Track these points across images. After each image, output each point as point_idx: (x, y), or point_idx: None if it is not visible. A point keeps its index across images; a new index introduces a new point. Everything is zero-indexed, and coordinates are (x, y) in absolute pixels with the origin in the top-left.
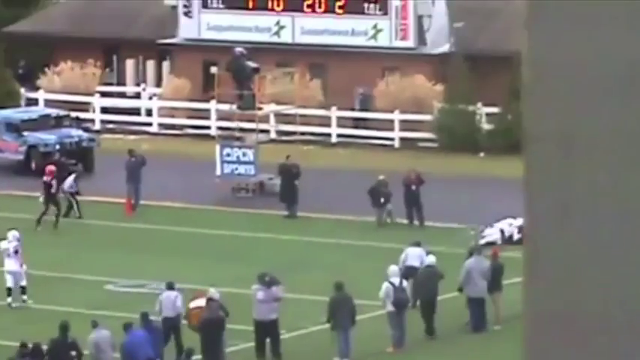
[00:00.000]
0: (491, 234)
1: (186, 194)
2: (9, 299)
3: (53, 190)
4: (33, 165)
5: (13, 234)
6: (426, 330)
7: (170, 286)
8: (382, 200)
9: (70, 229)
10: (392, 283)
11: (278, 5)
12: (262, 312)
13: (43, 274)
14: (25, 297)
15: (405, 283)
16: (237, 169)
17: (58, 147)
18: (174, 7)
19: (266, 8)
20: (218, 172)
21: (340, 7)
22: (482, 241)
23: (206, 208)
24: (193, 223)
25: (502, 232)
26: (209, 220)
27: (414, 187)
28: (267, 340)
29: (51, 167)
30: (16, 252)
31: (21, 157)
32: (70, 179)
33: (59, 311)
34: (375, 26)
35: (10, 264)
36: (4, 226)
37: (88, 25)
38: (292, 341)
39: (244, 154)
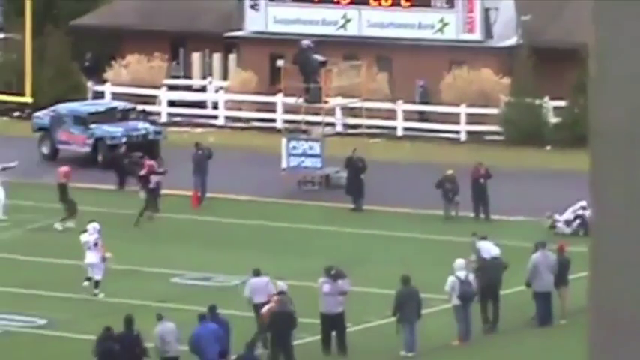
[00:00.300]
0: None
1: (252, 187)
2: (96, 290)
3: (152, 186)
4: (100, 158)
5: (93, 226)
6: (484, 319)
7: (257, 273)
8: (450, 195)
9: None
10: (458, 277)
11: None
12: (329, 305)
13: (111, 266)
14: (96, 291)
15: (471, 276)
16: (303, 162)
17: (124, 140)
18: (241, 1)
19: (332, 1)
20: (284, 165)
21: (407, 0)
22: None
23: (272, 201)
24: (259, 216)
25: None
26: (275, 213)
27: (481, 181)
28: (334, 333)
29: (150, 162)
30: (95, 244)
31: (88, 149)
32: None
33: (126, 304)
34: (441, 19)
35: (91, 256)
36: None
37: (155, 18)
38: (358, 334)
39: (310, 147)
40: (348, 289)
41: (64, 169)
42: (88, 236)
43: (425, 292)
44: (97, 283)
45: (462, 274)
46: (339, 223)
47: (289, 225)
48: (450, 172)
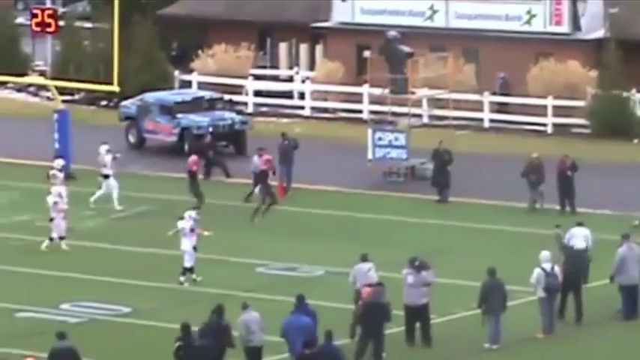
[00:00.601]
0: None
1: (337, 178)
2: (193, 276)
3: (270, 181)
4: (186, 147)
5: (189, 213)
6: (560, 313)
7: (364, 258)
8: (535, 185)
9: (224, 212)
10: (543, 269)
11: None
12: (413, 296)
13: (197, 256)
14: (182, 278)
15: (557, 268)
16: (389, 153)
17: (210, 129)
18: None
19: None
20: (370, 156)
21: None
22: None
23: (357, 192)
24: (344, 207)
25: None
26: (360, 203)
27: (568, 173)
28: (417, 324)
29: (268, 157)
30: (191, 230)
31: (174, 139)
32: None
33: (211, 293)
34: (529, 11)
35: (185, 243)
36: (161, 207)
37: (242, 8)
38: (442, 326)
39: (396, 139)
40: (432, 280)
41: (194, 157)
42: (184, 223)
43: (510, 284)
44: (184, 270)
45: (547, 266)
46: (423, 214)
47: (374, 216)
48: (534, 155)
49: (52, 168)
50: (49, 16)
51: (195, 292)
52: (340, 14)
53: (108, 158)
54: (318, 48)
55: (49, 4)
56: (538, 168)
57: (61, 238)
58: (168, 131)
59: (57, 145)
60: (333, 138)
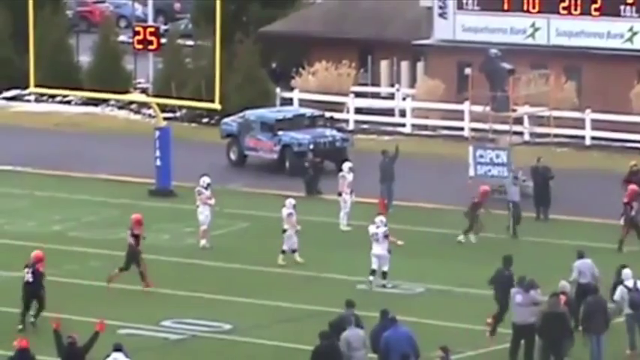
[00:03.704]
0: None
1: (438, 195)
2: (371, 278)
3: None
4: (287, 164)
5: (380, 219)
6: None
7: (581, 255)
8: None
9: (323, 229)
10: (626, 286)
11: (533, 7)
12: (521, 315)
13: (294, 272)
14: (384, 282)
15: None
16: (490, 170)
17: (311, 147)
18: (430, 9)
19: (521, 10)
20: (471, 173)
21: (596, 10)
22: None
23: (459, 209)
24: (445, 224)
25: None
26: (461, 221)
27: None
28: (522, 342)
29: (634, 187)
30: (385, 236)
31: (275, 156)
32: None
33: (312, 310)
34: (630, 29)
35: (377, 248)
36: (262, 224)
37: (343, 26)
38: None
39: (497, 156)
40: (540, 299)
41: (485, 188)
42: (376, 229)
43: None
44: (384, 274)
45: (630, 282)
46: (524, 232)
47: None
48: (633, 162)
49: (198, 185)
50: (151, 33)
51: (296, 309)
52: (441, 32)
53: None
54: (419, 65)
55: (151, 22)
56: (637, 175)
57: (293, 251)
58: (269, 148)
59: (158, 163)
60: (434, 155)
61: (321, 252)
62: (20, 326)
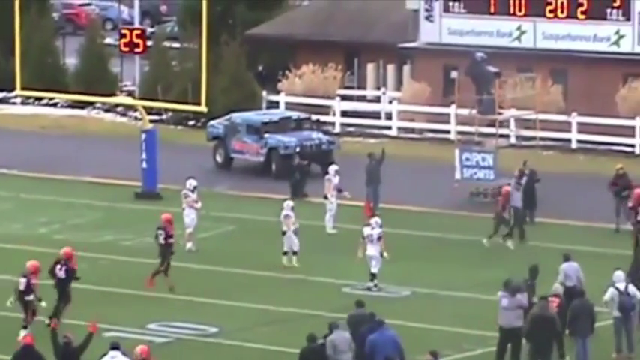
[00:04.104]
0: None
1: (424, 198)
2: (370, 284)
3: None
4: (273, 167)
5: (375, 220)
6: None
7: (567, 258)
8: (623, 194)
9: (309, 232)
10: (617, 288)
11: (519, 10)
12: (507, 319)
13: (279, 275)
14: (371, 284)
15: (631, 287)
16: (476, 173)
17: (298, 149)
18: (416, 11)
19: (507, 13)
20: (457, 176)
21: (582, 13)
22: None
23: (444, 213)
24: (431, 227)
25: None
26: (447, 224)
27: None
28: (509, 345)
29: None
30: (379, 238)
31: (261, 159)
32: None
33: (297, 313)
34: (617, 32)
35: (371, 249)
36: (247, 227)
37: (329, 29)
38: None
39: (483, 159)
40: (526, 303)
41: (507, 188)
42: (371, 230)
43: (598, 305)
44: (373, 276)
45: (621, 285)
46: (511, 234)
47: (461, 237)
48: (619, 166)
49: (184, 188)
50: (138, 36)
51: (281, 312)
52: (427, 35)
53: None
54: (406, 68)
55: (137, 25)
56: (622, 178)
57: (294, 252)
58: (255, 151)
59: (144, 165)
60: (420, 158)
61: (307, 255)
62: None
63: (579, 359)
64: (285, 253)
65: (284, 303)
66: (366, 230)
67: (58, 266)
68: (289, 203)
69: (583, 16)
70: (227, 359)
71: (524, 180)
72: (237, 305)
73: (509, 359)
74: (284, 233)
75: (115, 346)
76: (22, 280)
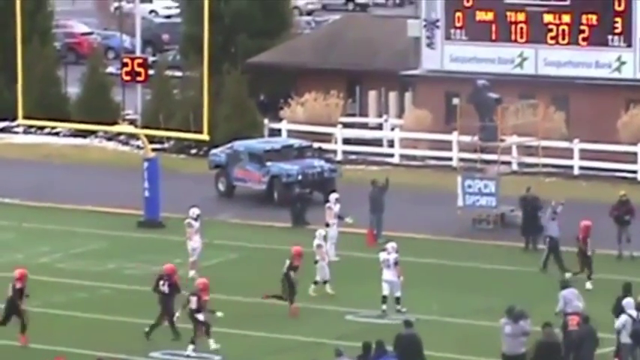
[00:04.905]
0: None
1: (427, 225)
2: (384, 306)
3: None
4: (275, 195)
5: (392, 245)
6: None
7: (565, 285)
8: (626, 218)
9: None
10: (630, 315)
11: (521, 37)
12: (510, 346)
13: (284, 304)
14: (399, 307)
15: None
16: (478, 200)
17: (300, 177)
18: (418, 39)
19: (509, 40)
20: (460, 203)
21: (584, 39)
22: None
23: (447, 240)
24: (434, 254)
25: None
26: (450, 251)
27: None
28: None
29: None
30: (395, 263)
31: (264, 187)
32: None
33: (302, 341)
34: (619, 58)
35: (388, 274)
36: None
37: (331, 57)
38: None
39: (486, 186)
40: (529, 330)
41: (587, 223)
42: (387, 255)
43: (600, 331)
44: (397, 300)
45: (633, 312)
46: (513, 262)
47: (464, 264)
48: (622, 192)
49: (187, 217)
50: (139, 65)
51: (287, 340)
52: (429, 62)
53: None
54: (407, 96)
55: (139, 53)
56: (625, 205)
57: (325, 282)
58: (257, 179)
59: (146, 194)
60: (422, 185)
61: (310, 283)
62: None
63: None
64: (316, 282)
65: (288, 331)
66: (383, 255)
67: (161, 282)
68: (321, 232)
69: (585, 43)
70: None
71: (559, 209)
72: (241, 334)
73: None
74: (316, 262)
75: None
76: (193, 299)
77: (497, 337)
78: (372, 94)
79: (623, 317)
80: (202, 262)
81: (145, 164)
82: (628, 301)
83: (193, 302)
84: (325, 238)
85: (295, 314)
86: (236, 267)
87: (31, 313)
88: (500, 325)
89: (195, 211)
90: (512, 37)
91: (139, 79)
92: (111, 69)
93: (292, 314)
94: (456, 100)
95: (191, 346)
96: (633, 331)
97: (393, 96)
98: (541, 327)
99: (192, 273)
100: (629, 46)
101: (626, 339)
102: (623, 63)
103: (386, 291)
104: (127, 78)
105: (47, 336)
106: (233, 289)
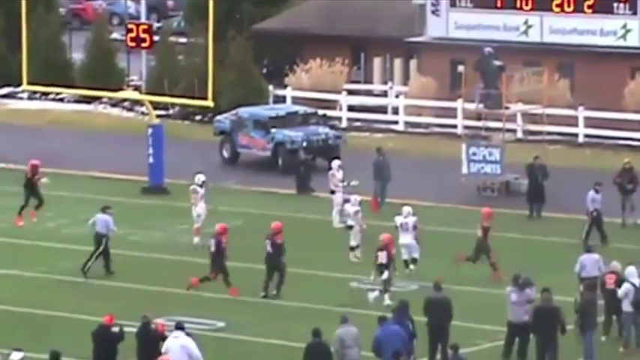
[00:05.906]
0: None
1: (431, 193)
2: (410, 268)
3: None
4: (280, 162)
5: (408, 210)
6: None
7: (588, 249)
8: (629, 187)
9: (315, 227)
10: (633, 284)
11: (526, 4)
12: (516, 314)
13: (288, 270)
14: (412, 267)
15: None
16: (483, 168)
17: (304, 144)
18: (423, 6)
19: (514, 7)
20: (464, 170)
21: (589, 7)
22: None
23: (451, 207)
24: (438, 222)
25: None
26: (454, 218)
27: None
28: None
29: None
30: (414, 227)
31: (268, 153)
32: None
33: (305, 308)
34: (624, 26)
35: (406, 237)
36: (255, 222)
37: (336, 23)
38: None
39: (490, 154)
40: (534, 297)
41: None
42: (403, 219)
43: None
44: (414, 260)
45: (636, 281)
46: (517, 229)
47: (468, 231)
48: (626, 160)
49: (192, 183)
50: (144, 31)
51: (289, 307)
52: (434, 29)
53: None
54: (412, 63)
55: (143, 19)
56: (629, 172)
57: (351, 248)
58: (262, 146)
59: (151, 160)
60: (427, 153)
61: (314, 250)
62: (262, 293)
63: (587, 353)
64: (352, 248)
65: (291, 298)
66: (399, 219)
67: (267, 241)
68: (357, 198)
69: (590, 10)
70: (234, 354)
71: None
72: (244, 300)
73: (516, 353)
74: (351, 227)
75: (179, 327)
76: (267, 243)
77: (503, 305)
78: (377, 61)
79: (626, 285)
80: (206, 229)
81: (150, 130)
82: (630, 270)
83: (212, 245)
84: (360, 203)
85: (235, 294)
86: (240, 234)
87: (36, 278)
88: (506, 293)
89: (200, 177)
90: (518, 5)
91: (143, 45)
92: (115, 35)
93: (231, 293)
94: (460, 68)
95: None
96: (635, 300)
97: (398, 63)
98: (540, 292)
99: (196, 239)
100: (635, 13)
101: (628, 307)
102: (629, 31)
103: (405, 255)
104: (132, 44)
105: (54, 302)
106: (237, 256)
